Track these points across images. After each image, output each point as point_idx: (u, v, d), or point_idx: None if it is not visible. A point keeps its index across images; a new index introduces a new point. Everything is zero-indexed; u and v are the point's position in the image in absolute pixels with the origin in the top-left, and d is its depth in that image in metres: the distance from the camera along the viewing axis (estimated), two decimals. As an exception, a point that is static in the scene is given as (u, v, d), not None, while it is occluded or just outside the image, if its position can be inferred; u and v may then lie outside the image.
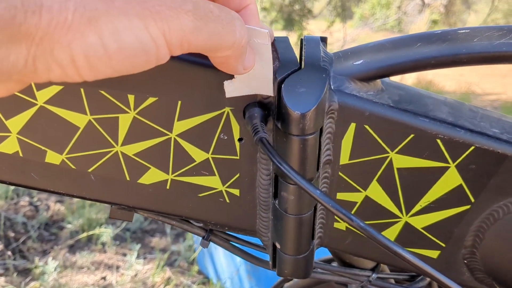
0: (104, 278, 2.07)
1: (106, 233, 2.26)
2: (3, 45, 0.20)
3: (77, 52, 0.21)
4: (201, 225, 0.43)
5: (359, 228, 0.28)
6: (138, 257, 2.14)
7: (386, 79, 0.38)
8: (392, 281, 0.47)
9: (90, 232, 2.28)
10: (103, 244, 2.25)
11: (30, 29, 0.20)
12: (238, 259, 1.79)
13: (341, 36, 7.31)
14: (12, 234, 2.29)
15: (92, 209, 2.42)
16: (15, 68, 0.21)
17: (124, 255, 2.18)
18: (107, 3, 0.21)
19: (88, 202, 2.48)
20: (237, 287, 1.86)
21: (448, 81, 6.32)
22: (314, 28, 6.80)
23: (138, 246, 2.17)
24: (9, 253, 2.17)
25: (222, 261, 1.90)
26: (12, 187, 2.61)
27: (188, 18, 0.23)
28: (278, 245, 0.39)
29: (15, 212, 2.47)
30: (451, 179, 0.37)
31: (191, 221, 0.43)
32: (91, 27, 0.21)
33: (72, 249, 2.23)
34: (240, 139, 0.36)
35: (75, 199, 2.57)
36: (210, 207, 0.40)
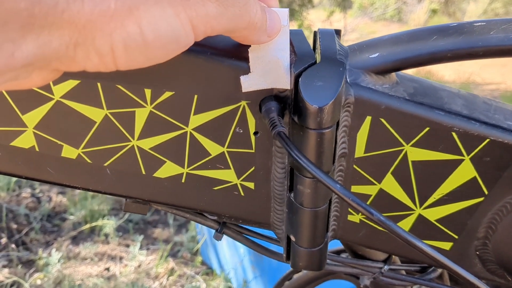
0: (107, 269, 2.08)
1: (109, 224, 2.26)
2: (45, 31, 0.20)
3: (117, 41, 0.22)
4: (215, 218, 0.43)
5: (379, 222, 0.28)
6: (141, 248, 2.15)
7: (400, 72, 0.38)
8: (403, 272, 0.47)
9: (93, 224, 2.29)
10: (106, 235, 2.26)
11: (73, 16, 0.20)
12: (242, 250, 1.80)
13: (341, 26, 7.28)
14: (14, 226, 2.30)
15: (94, 201, 2.43)
16: (56, 54, 0.21)
17: (127, 246, 2.19)
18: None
19: (90, 193, 2.48)
20: (241, 278, 1.87)
21: (447, 70, 6.31)
22: (314, 18, 6.77)
23: (141, 237, 2.18)
24: (13, 245, 2.18)
25: (226, 252, 1.91)
26: (14, 179, 2.62)
27: (212, 5, 0.24)
28: (293, 238, 0.39)
29: (17, 204, 2.47)
30: (465, 172, 0.37)
31: (205, 214, 0.43)
32: (131, 16, 0.21)
33: (75, 240, 2.24)
34: (255, 133, 0.37)
35: (77, 190, 2.57)
36: (224, 200, 0.40)
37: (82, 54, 0.22)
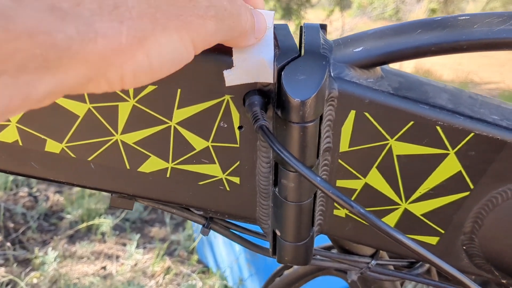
0: (104, 267, 2.08)
1: (106, 223, 2.26)
2: (60, 71, 0.20)
3: (127, 71, 0.23)
4: (201, 213, 0.43)
5: (359, 214, 0.28)
6: (137, 247, 2.15)
7: (385, 66, 0.38)
8: (391, 267, 0.47)
9: (90, 222, 2.29)
10: (103, 234, 2.26)
11: (86, 56, 0.21)
12: (238, 248, 1.80)
13: (340, 25, 7.28)
14: (11, 225, 2.29)
15: (91, 200, 2.42)
16: (69, 89, 0.22)
17: (124, 245, 2.19)
18: (152, 21, 0.23)
19: (87, 192, 2.48)
20: (237, 276, 1.87)
21: (446, 70, 6.31)
22: (312, 17, 6.77)
23: (138, 236, 2.17)
24: (9, 243, 2.18)
25: (222, 250, 1.91)
26: (11, 178, 2.61)
27: (211, 23, 0.26)
28: (278, 232, 0.39)
29: (14, 203, 2.47)
30: (450, 166, 0.37)
31: (192, 209, 0.43)
32: (141, 47, 0.22)
33: (72, 239, 2.24)
34: (240, 127, 0.36)
35: (74, 189, 2.57)
36: (210, 195, 0.40)
37: (93, 85, 0.23)
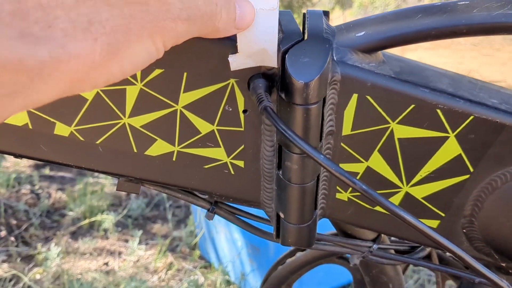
0: (106, 263, 2.09)
1: (108, 220, 2.27)
2: (33, 91, 0.21)
3: (100, 81, 0.24)
4: (206, 197, 0.44)
5: (361, 190, 0.29)
6: (140, 243, 2.16)
7: (387, 52, 0.39)
8: (393, 251, 0.48)
9: (92, 219, 2.30)
10: (105, 230, 2.27)
11: (59, 77, 0.21)
12: (239, 244, 1.81)
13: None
14: (14, 222, 2.31)
15: (93, 196, 2.44)
16: (42, 103, 0.22)
17: (126, 241, 2.20)
18: (126, 31, 0.23)
19: (90, 189, 2.49)
20: (239, 271, 1.88)
21: (447, 68, 6.30)
22: (313, 16, 6.75)
23: (140, 232, 2.19)
24: (12, 239, 2.19)
25: (224, 245, 1.92)
26: (14, 175, 2.63)
27: (183, 25, 0.26)
28: (282, 215, 0.40)
29: (16, 200, 2.48)
30: (450, 149, 0.38)
31: (197, 194, 0.44)
32: (114, 59, 0.23)
33: (74, 235, 2.25)
34: (244, 111, 0.37)
35: (77, 186, 2.58)
36: (215, 178, 0.41)
37: (67, 95, 0.23)
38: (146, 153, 0.39)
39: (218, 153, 0.39)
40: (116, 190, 0.42)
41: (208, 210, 0.45)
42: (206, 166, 0.40)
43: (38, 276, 2.00)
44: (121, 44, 0.23)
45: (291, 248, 0.63)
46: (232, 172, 0.40)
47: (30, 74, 0.20)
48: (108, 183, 2.58)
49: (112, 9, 0.22)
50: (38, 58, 0.20)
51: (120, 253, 2.14)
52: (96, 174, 2.52)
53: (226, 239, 1.88)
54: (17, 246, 2.15)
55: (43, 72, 0.20)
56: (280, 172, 0.38)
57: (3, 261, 2.06)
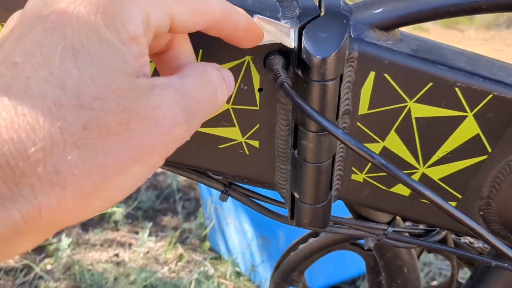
0: (116, 255, 2.10)
1: (118, 212, 2.28)
2: (9, 244, 0.21)
3: (82, 219, 0.23)
4: (220, 178, 0.44)
5: (379, 164, 0.29)
6: (150, 235, 2.17)
7: (404, 31, 0.38)
8: (407, 235, 0.47)
9: (102, 211, 2.31)
10: (115, 222, 2.28)
11: (34, 229, 0.21)
12: (249, 235, 1.81)
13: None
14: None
15: (104, 188, 2.44)
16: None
17: (136, 233, 2.21)
18: (102, 169, 0.22)
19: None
20: (248, 262, 1.88)
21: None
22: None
23: (150, 224, 2.19)
24: (23, 230, 2.20)
25: (234, 237, 1.92)
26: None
27: (182, 128, 0.24)
28: (296, 195, 0.40)
29: (28, 192, 2.50)
30: (468, 129, 0.37)
31: (210, 175, 0.44)
32: (91, 198, 0.22)
33: (85, 227, 2.26)
34: (260, 89, 0.37)
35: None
36: (229, 158, 0.41)
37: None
38: (160, 132, 0.39)
39: (233, 133, 0.39)
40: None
41: (222, 191, 0.45)
42: (220, 146, 0.40)
43: (49, 267, 2.01)
44: (98, 183, 0.22)
45: (303, 234, 0.63)
46: (247, 152, 0.40)
47: (4, 237, 0.20)
48: (118, 176, 2.59)
49: (82, 151, 0.21)
50: (10, 219, 0.20)
51: (130, 245, 2.16)
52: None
53: (236, 231, 1.89)
54: (28, 237, 2.17)
55: (16, 230, 0.20)
56: (295, 151, 0.38)
57: (15, 252, 2.08)
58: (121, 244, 2.16)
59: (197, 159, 0.41)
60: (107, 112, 0.22)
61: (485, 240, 0.32)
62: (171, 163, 0.42)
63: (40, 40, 0.22)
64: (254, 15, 0.32)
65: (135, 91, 0.23)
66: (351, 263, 1.73)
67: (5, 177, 0.20)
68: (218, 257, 2.06)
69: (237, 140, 0.40)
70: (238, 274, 1.95)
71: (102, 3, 0.22)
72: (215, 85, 0.27)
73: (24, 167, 0.20)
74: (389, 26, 0.36)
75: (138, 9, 0.23)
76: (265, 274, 1.79)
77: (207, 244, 2.12)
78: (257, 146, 0.40)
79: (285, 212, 0.45)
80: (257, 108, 0.38)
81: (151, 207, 2.40)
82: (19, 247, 0.21)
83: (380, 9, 0.36)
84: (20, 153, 0.20)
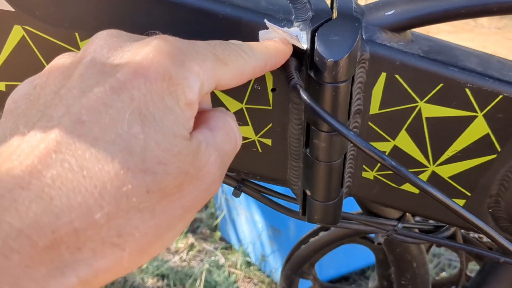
0: (129, 243, 2.13)
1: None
2: None
3: (116, 277, 0.23)
4: (233, 174, 0.45)
5: (390, 166, 0.29)
6: (161, 224, 2.19)
7: (415, 31, 0.39)
8: (417, 230, 0.48)
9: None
10: (128, 211, 2.30)
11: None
12: (260, 225, 1.82)
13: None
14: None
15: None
16: None
17: (148, 222, 2.23)
18: (157, 230, 0.22)
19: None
20: (259, 252, 1.90)
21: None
22: None
23: (161, 213, 2.21)
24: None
25: (244, 227, 1.94)
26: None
27: (216, 187, 0.26)
28: (308, 193, 0.41)
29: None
30: (478, 129, 0.38)
31: (224, 171, 0.45)
32: (143, 256, 0.22)
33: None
34: (273, 89, 0.38)
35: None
36: (243, 156, 0.41)
37: None
38: (176, 130, 0.40)
39: (247, 131, 0.40)
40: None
41: (235, 187, 0.46)
42: (234, 144, 0.41)
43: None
44: (151, 243, 0.22)
45: (314, 227, 0.64)
46: (260, 150, 0.41)
47: None
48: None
49: (143, 215, 0.21)
50: (65, 287, 0.19)
51: (142, 234, 2.18)
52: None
53: (247, 221, 1.90)
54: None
55: None
56: (308, 150, 0.39)
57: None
58: (133, 233, 2.19)
59: (211, 156, 0.42)
60: (168, 175, 0.22)
61: (492, 239, 0.32)
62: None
63: (106, 100, 0.22)
64: (265, 20, 0.33)
65: (191, 154, 0.23)
66: (361, 254, 1.74)
67: (69, 243, 0.19)
68: (228, 247, 2.08)
69: (250, 138, 0.41)
70: (249, 264, 1.97)
71: (169, 71, 0.23)
72: (236, 135, 0.28)
73: (88, 232, 0.20)
74: (400, 27, 0.36)
75: (197, 78, 0.24)
76: (275, 264, 1.81)
77: (218, 234, 2.14)
78: (270, 144, 0.41)
79: (297, 207, 0.46)
80: (270, 107, 0.39)
81: (163, 197, 2.42)
82: None
83: (392, 11, 0.36)
84: (87, 219, 0.20)
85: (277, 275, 1.77)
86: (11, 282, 0.17)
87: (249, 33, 0.35)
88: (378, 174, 0.42)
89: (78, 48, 0.37)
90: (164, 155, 0.22)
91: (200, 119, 0.27)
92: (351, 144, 0.40)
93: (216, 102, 0.38)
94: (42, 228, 0.18)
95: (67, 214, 0.19)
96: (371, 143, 0.39)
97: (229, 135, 0.27)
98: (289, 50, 0.33)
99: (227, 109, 0.39)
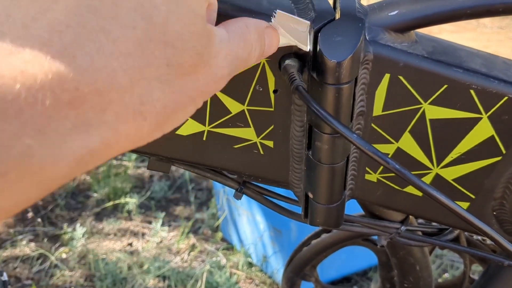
0: (130, 244, 2.13)
1: (132, 201, 2.31)
2: (75, 175, 0.21)
3: (131, 148, 0.23)
4: (235, 177, 0.44)
5: (394, 169, 0.29)
6: (163, 224, 2.19)
7: (419, 32, 0.39)
8: (420, 233, 0.48)
9: (116, 201, 2.33)
10: (129, 212, 2.31)
11: (106, 157, 0.21)
12: (262, 226, 1.82)
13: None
14: (40, 202, 2.36)
15: (117, 179, 2.47)
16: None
17: (149, 222, 2.24)
18: (174, 105, 0.23)
19: (113, 171, 2.53)
20: (260, 253, 1.89)
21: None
22: None
23: (163, 214, 2.21)
24: (39, 220, 2.24)
25: (246, 228, 1.93)
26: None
27: (223, 81, 0.27)
28: (311, 195, 0.40)
29: (42, 181, 2.53)
30: (483, 130, 0.37)
31: (225, 173, 0.44)
32: (158, 130, 0.24)
33: (99, 216, 2.29)
34: (275, 91, 0.37)
35: (100, 169, 2.62)
36: (244, 158, 0.41)
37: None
38: (177, 132, 0.40)
39: (248, 133, 0.40)
40: (147, 169, 0.43)
41: (237, 190, 0.45)
42: (236, 146, 0.40)
43: (64, 255, 2.05)
44: (168, 117, 0.23)
45: (316, 229, 0.64)
46: (262, 152, 0.41)
47: (80, 163, 0.20)
48: (131, 166, 2.61)
49: (164, 86, 0.22)
50: (90, 147, 0.20)
51: (143, 234, 2.18)
52: (119, 156, 2.56)
53: (248, 222, 1.90)
54: (43, 226, 2.21)
55: (93, 159, 0.20)
56: (310, 152, 0.38)
57: (31, 241, 2.12)
58: (135, 234, 2.19)
59: (213, 158, 0.41)
60: (186, 52, 0.23)
61: (497, 242, 0.32)
62: (187, 162, 0.42)
63: None
64: (275, 11, 0.32)
65: (206, 37, 0.24)
66: (363, 255, 1.73)
67: (93, 103, 0.19)
68: (230, 248, 2.08)
69: (252, 140, 0.40)
70: (250, 265, 1.97)
71: None
72: (252, 46, 0.29)
73: (113, 94, 0.20)
74: (404, 28, 0.36)
75: None
76: (277, 265, 1.80)
77: (219, 234, 2.14)
78: (272, 146, 0.40)
79: (299, 209, 0.45)
80: (272, 109, 0.38)
81: (164, 197, 2.42)
82: (89, 168, 0.22)
83: (396, 11, 0.36)
84: (110, 81, 0.20)
85: (279, 276, 1.76)
86: (34, 128, 0.18)
87: None
88: (381, 177, 0.41)
89: None
90: (184, 31, 0.22)
91: (221, 23, 0.28)
92: (354, 146, 0.39)
93: (217, 103, 0.38)
94: (65, 83, 0.19)
95: (91, 74, 0.19)
96: (374, 145, 0.39)
97: (245, 42, 0.28)
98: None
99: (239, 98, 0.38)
